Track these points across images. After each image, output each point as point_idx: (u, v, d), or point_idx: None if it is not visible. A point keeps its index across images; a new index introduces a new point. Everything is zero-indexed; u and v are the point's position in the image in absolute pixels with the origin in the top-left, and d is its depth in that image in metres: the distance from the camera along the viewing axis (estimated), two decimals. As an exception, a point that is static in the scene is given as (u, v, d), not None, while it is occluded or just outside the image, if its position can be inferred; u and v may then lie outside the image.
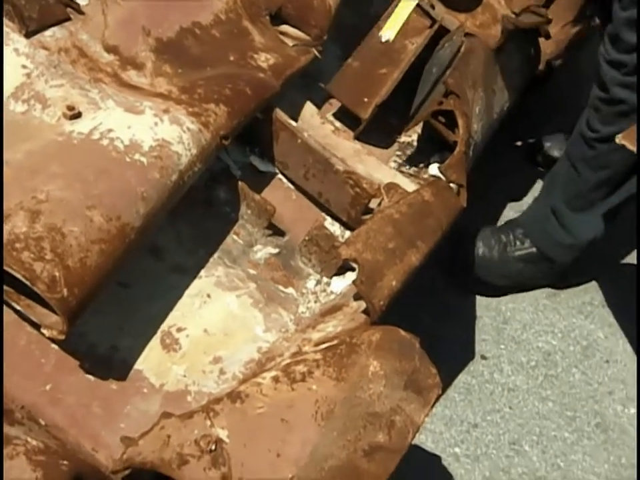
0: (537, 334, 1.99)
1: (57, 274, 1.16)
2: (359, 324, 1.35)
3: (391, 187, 1.54)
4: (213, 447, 1.19)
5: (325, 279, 1.55)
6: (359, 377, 1.26)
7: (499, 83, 1.89)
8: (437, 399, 1.27)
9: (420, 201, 1.41)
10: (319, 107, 1.80)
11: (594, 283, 2.09)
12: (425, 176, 1.75)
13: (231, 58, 1.56)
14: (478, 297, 2.03)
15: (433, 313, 1.95)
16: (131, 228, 1.26)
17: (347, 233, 1.61)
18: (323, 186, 1.58)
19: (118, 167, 1.28)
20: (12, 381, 1.26)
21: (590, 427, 1.83)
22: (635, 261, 2.17)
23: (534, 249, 1.96)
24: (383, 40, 1.82)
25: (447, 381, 1.87)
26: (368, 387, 1.25)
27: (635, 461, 1.78)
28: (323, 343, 1.34)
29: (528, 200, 2.16)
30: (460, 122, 1.57)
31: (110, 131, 1.32)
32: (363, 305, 1.39)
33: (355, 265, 1.53)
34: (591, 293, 2.08)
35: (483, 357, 1.93)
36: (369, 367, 1.26)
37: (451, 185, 1.51)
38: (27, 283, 1.14)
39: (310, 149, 1.56)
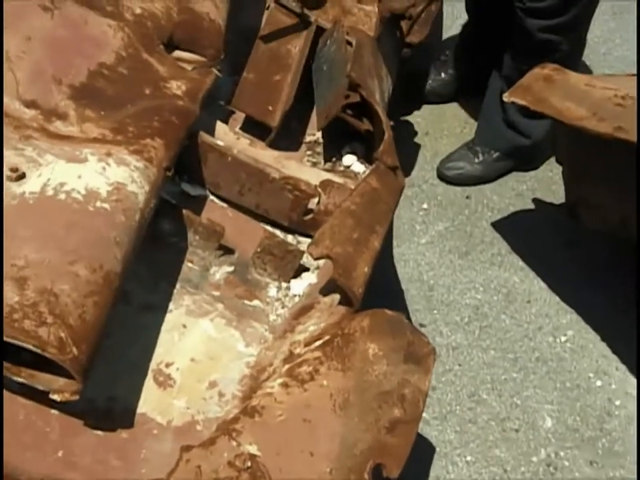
0: (461, 293, 2.13)
1: (63, 335, 1.14)
2: (342, 315, 1.42)
3: (327, 184, 1.61)
4: (249, 464, 1.22)
5: (284, 284, 1.59)
6: (362, 363, 1.32)
7: (383, 69, 2.00)
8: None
9: (370, 190, 1.49)
10: (224, 124, 1.84)
11: (497, 235, 2.26)
12: (341, 168, 1.83)
13: (146, 91, 1.57)
14: (399, 271, 2.15)
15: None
16: (115, 274, 1.26)
17: (289, 237, 1.67)
18: (259, 197, 1.63)
19: (84, 217, 1.27)
20: (23, 457, 1.23)
21: (532, 363, 1.99)
22: (528, 207, 2.37)
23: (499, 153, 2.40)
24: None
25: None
26: (373, 369, 1.32)
27: (578, 382, 1.96)
28: (314, 341, 1.39)
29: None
30: (377, 109, 1.66)
31: (62, 184, 1.30)
32: (335, 298, 1.45)
33: (312, 266, 1.61)
34: (497, 245, 2.24)
35: (421, 325, 2.05)
36: (368, 351, 1.33)
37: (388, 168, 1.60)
38: (37, 350, 1.12)
39: (242, 164, 1.60)
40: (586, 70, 2.52)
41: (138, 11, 1.70)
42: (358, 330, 1.35)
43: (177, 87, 1.61)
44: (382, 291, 2.09)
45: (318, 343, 1.38)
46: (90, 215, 1.28)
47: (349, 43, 1.90)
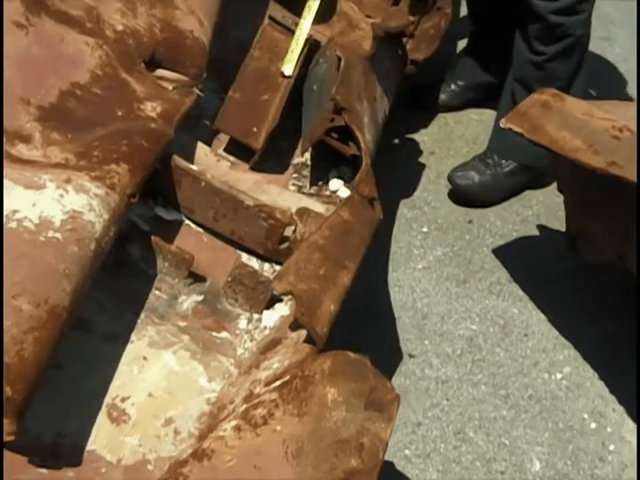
0: (456, 322, 2.05)
1: (-3, 374, 1.10)
2: (305, 354, 1.36)
3: (303, 212, 1.55)
4: (193, 512, 1.17)
5: (255, 316, 1.54)
6: (319, 408, 1.26)
7: (378, 90, 1.94)
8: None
9: (340, 222, 1.43)
10: (208, 145, 1.79)
11: (498, 263, 2.18)
12: (327, 192, 1.77)
13: (119, 113, 1.52)
14: (392, 297, 2.08)
15: (353, 321, 1.97)
16: (62, 308, 1.21)
17: (266, 266, 1.61)
18: (234, 224, 1.57)
19: (34, 248, 1.23)
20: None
21: (524, 401, 1.91)
22: (532, 233, 2.28)
23: (516, 164, 2.32)
24: (286, 74, 1.84)
25: (383, 387, 1.91)
26: (330, 415, 1.26)
27: (571, 423, 1.87)
28: (274, 381, 1.33)
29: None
30: (358, 136, 1.60)
31: (15, 212, 1.26)
32: (302, 334, 1.39)
33: (286, 297, 1.55)
34: (497, 273, 2.16)
35: (411, 356, 1.98)
36: (327, 396, 1.27)
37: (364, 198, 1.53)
38: (-34, 390, 1.08)
39: (215, 190, 1.55)
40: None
41: (119, 27, 1.66)
42: (318, 372, 1.29)
43: (151, 108, 1.57)
44: (373, 318, 2.02)
45: (277, 383, 1.32)
46: (40, 246, 1.24)
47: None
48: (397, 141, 2.44)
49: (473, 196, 2.34)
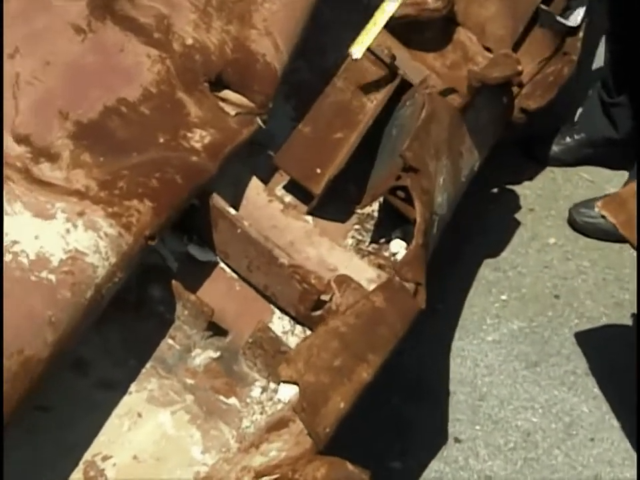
0: (515, 411, 1.83)
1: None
2: (304, 450, 1.20)
3: (343, 280, 1.38)
4: None
5: (271, 385, 1.38)
6: (301, 523, 1.10)
7: (466, 144, 1.73)
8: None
9: (370, 309, 1.25)
10: (267, 177, 1.64)
11: (578, 350, 1.94)
12: (386, 254, 1.59)
13: (161, 140, 1.39)
14: (452, 368, 1.88)
15: (402, 391, 1.79)
16: (37, 361, 1.10)
17: (298, 328, 1.45)
18: (268, 279, 1.42)
19: (21, 288, 1.12)
20: None
21: (574, 518, 1.68)
22: (624, 322, 2.02)
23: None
24: (353, 58, 1.65)
25: (416, 471, 1.72)
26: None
27: None
28: (265, 475, 1.18)
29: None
30: (417, 207, 1.41)
31: (15, 243, 1.15)
32: (311, 422, 1.23)
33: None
34: (574, 361, 1.92)
35: (457, 440, 1.77)
36: (312, 510, 1.11)
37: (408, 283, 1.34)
38: None
39: (251, 240, 1.40)
40: None
41: (189, 41, 1.53)
42: (310, 479, 1.13)
43: (199, 137, 1.43)
44: (424, 388, 1.83)
45: (265, 479, 1.17)
46: (29, 286, 1.13)
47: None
48: (495, 190, 2.21)
49: (593, 235, 2.16)
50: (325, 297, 1.40)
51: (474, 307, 2.00)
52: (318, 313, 1.39)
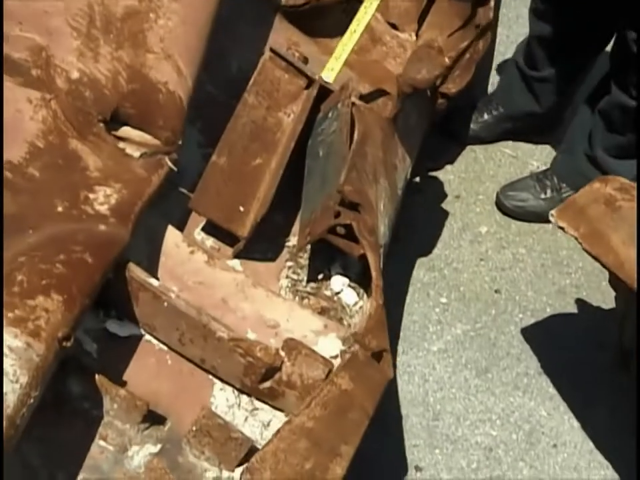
0: (473, 426, 1.72)
1: None
2: None
3: (292, 346, 1.20)
4: None
5: (224, 474, 1.21)
6: None
7: (399, 154, 1.57)
8: None
9: (337, 395, 1.08)
10: (182, 220, 1.44)
11: (527, 347, 1.84)
12: (327, 293, 1.43)
13: (59, 208, 1.17)
14: (401, 387, 1.75)
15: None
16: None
17: (244, 399, 1.27)
18: (204, 352, 1.23)
19: None
20: None
21: (549, 536, 1.60)
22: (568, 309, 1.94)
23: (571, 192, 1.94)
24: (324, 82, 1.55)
25: (378, 511, 1.60)
26: None
27: None
28: None
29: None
30: (370, 256, 1.24)
31: None
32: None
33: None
34: (525, 361, 1.82)
35: (418, 469, 1.66)
36: None
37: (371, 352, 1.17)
38: None
39: (180, 314, 1.20)
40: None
41: (75, 75, 1.30)
42: None
43: (104, 198, 1.21)
44: (375, 416, 1.69)
45: None
46: None
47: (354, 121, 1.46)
48: (417, 179, 2.06)
49: (521, 218, 2.07)
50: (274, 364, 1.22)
51: (413, 314, 1.87)
52: (267, 385, 1.22)
